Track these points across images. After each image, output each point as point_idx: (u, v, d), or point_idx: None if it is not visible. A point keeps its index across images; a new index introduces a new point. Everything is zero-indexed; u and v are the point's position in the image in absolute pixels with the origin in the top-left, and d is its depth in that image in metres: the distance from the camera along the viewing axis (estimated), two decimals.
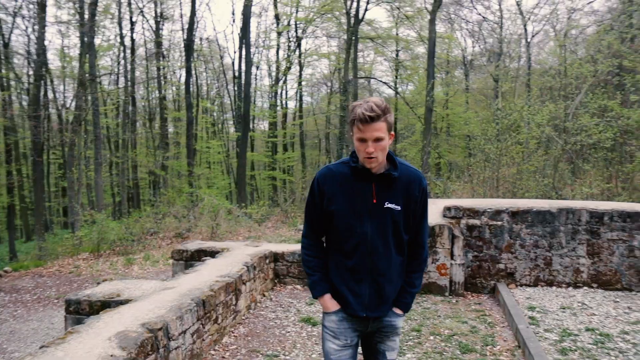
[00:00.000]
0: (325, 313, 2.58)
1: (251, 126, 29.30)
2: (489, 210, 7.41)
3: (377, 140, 2.28)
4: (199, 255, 7.77)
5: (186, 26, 30.09)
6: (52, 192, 32.21)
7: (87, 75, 15.24)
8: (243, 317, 6.24)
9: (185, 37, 22.63)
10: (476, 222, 7.42)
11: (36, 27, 17.17)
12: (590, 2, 34.60)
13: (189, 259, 7.87)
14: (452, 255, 7.23)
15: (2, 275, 9.01)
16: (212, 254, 7.55)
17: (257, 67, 33.01)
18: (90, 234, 10.98)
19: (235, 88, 30.07)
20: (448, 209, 7.50)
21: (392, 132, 2.40)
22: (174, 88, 32.39)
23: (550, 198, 11.83)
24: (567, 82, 14.16)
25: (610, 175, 13.66)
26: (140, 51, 31.01)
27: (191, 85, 25.60)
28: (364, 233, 2.41)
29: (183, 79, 34.09)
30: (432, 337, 5.52)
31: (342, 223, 2.44)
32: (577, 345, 5.12)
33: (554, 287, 7.33)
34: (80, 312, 5.53)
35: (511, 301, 6.50)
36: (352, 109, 2.33)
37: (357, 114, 2.25)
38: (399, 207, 2.42)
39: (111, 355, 3.76)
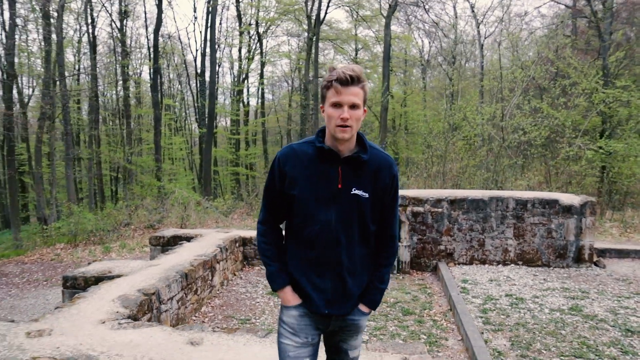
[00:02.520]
0: (284, 307, 2.33)
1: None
2: (431, 199, 8.53)
3: (353, 107, 2.08)
4: (175, 241, 8.61)
5: (149, 23, 30.36)
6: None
7: (57, 73, 15.67)
8: (217, 292, 7.15)
9: (152, 38, 23.10)
10: (420, 209, 8.53)
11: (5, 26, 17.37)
12: (538, 7, 36.73)
13: (166, 245, 8.69)
14: (399, 238, 8.32)
15: None
16: (188, 239, 8.41)
17: (219, 65, 33.55)
18: (68, 225, 11.61)
19: (198, 85, 30.58)
20: None
21: (366, 108, 2.20)
22: (134, 83, 32.57)
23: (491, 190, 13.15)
24: (503, 85, 15.62)
25: (547, 169, 15.17)
26: (101, 48, 31.12)
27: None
28: (327, 221, 2.17)
29: (145, 74, 34.41)
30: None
31: (304, 209, 2.20)
32: (496, 307, 6.28)
33: (487, 265, 8.52)
34: (77, 287, 6.32)
35: (448, 275, 7.63)
36: (330, 71, 2.12)
37: (337, 73, 2.06)
38: (366, 195, 2.18)
39: (117, 312, 4.63)
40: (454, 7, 35.49)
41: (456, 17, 30.91)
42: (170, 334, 4.01)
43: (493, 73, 18.60)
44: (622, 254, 9.15)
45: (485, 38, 29.69)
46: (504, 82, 15.60)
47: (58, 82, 15.76)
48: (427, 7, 28.72)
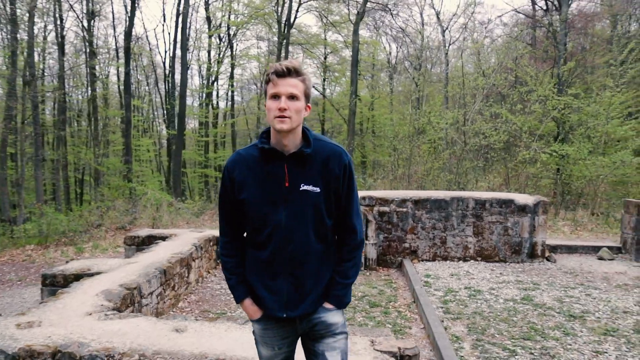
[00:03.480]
0: (250, 319, 2.32)
1: None
2: (396, 199, 9.01)
3: (292, 97, 2.05)
4: (150, 241, 8.83)
5: (117, 24, 30.13)
6: None
7: (27, 74, 15.61)
8: (193, 288, 7.44)
9: (122, 39, 23.04)
10: (386, 209, 9.00)
11: None
12: (500, 16, 38.01)
13: (140, 244, 8.90)
14: (366, 237, 8.77)
15: None
16: (162, 238, 8.65)
17: (189, 67, 33.53)
18: (40, 226, 11.63)
19: (166, 87, 30.55)
20: (363, 198, 9.03)
21: (309, 105, 2.19)
22: (101, 84, 32.28)
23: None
24: (465, 92, 16.40)
25: (506, 171, 15.96)
26: (68, 48, 30.75)
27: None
28: (277, 221, 2.13)
29: (112, 75, 34.07)
30: None
31: (255, 212, 2.16)
32: (456, 298, 6.78)
33: (448, 261, 9.05)
34: (56, 284, 6.53)
35: (412, 271, 8.12)
36: (270, 67, 2.11)
37: (274, 67, 2.06)
38: (317, 189, 2.12)
39: (101, 305, 4.90)
40: (421, 14, 36.49)
41: (423, 24, 31.82)
42: (156, 323, 4.32)
43: (456, 79, 19.40)
44: (571, 249, 9.84)
45: (450, 44, 30.63)
46: (466, 88, 16.38)
47: (27, 84, 15.67)
48: (394, 12, 29.48)
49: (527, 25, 24.48)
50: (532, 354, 4.82)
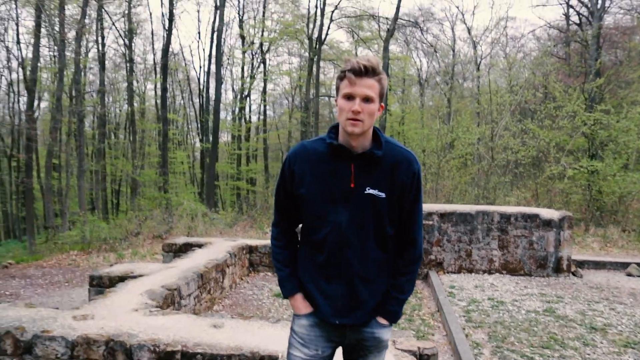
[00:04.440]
0: (295, 315, 2.23)
1: None
2: (423, 212, 9.26)
3: (367, 100, 1.95)
4: (186, 248, 9.31)
5: (156, 40, 31.31)
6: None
7: (73, 90, 16.58)
8: (227, 293, 7.85)
9: (159, 56, 24.05)
10: None
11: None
12: (532, 31, 37.86)
13: (177, 251, 9.39)
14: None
15: (8, 267, 10.26)
16: (198, 246, 9.12)
17: (222, 82, 34.48)
18: (83, 233, 12.32)
19: (200, 101, 31.48)
20: None
21: (383, 104, 2.07)
22: (138, 99, 33.48)
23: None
24: (493, 108, 16.56)
25: (535, 187, 15.99)
26: (108, 64, 32.09)
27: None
28: (337, 222, 2.04)
29: (149, 89, 35.23)
30: None
31: (313, 210, 2.09)
32: (479, 308, 7.00)
33: (473, 274, 9.24)
34: (102, 285, 7.03)
35: (437, 282, 8.35)
36: (345, 62, 1.99)
37: (351, 64, 1.94)
38: (383, 195, 2.03)
39: (145, 303, 5.34)
40: (452, 29, 36.61)
41: (454, 39, 31.99)
42: (195, 320, 4.72)
43: (485, 95, 19.57)
44: (599, 265, 9.89)
45: (481, 59, 30.68)
46: (493, 105, 16.55)
47: (73, 99, 16.61)
48: (424, 28, 29.80)
49: (560, 40, 24.45)
50: None
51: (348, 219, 2.04)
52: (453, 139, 16.05)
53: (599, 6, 18.66)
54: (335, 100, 2.06)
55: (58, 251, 12.06)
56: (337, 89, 2.04)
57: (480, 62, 30.02)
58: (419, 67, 35.64)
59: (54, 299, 7.83)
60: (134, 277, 6.85)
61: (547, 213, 9.26)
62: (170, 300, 5.67)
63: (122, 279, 6.92)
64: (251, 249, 9.31)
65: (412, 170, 2.08)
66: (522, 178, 16.06)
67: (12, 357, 4.25)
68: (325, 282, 2.12)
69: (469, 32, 29.98)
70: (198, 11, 48.08)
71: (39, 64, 17.68)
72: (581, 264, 9.89)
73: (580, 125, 14.78)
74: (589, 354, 5.23)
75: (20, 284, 8.76)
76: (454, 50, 31.06)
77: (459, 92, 27.78)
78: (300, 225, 2.27)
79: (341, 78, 2.00)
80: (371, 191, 2.03)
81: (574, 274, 9.17)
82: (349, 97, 1.96)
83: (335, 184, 2.06)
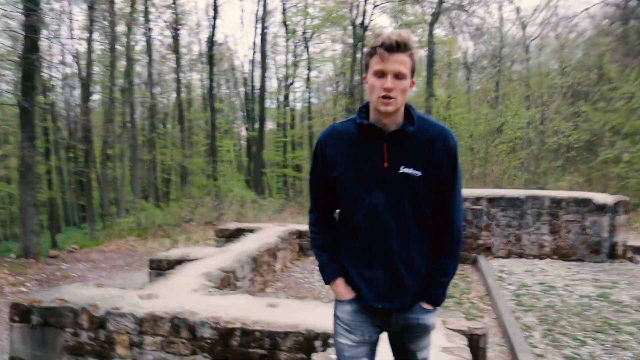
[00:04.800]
0: (337, 301, 2.18)
1: None
2: (471, 197, 9.24)
3: (399, 76, 1.88)
4: (238, 233, 9.62)
5: (199, 31, 31.91)
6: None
7: (125, 82, 17.26)
8: (279, 276, 8.11)
9: (205, 48, 24.60)
10: None
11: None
12: (587, 9, 36.34)
13: (230, 236, 9.71)
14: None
15: (73, 251, 10.92)
16: (250, 231, 9.41)
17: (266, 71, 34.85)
18: (139, 219, 12.93)
19: (245, 90, 31.99)
20: None
21: (414, 80, 1.99)
22: (185, 89, 34.29)
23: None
24: (543, 91, 16.11)
25: (588, 171, 15.55)
26: (155, 55, 32.99)
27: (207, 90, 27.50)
28: (372, 205, 1.98)
29: (194, 80, 35.93)
30: None
31: (347, 193, 2.04)
32: (529, 292, 6.97)
33: (523, 259, 9.15)
34: (161, 268, 7.40)
35: (486, 266, 8.34)
36: (375, 37, 1.92)
37: (382, 39, 1.86)
38: (418, 173, 1.95)
39: (204, 284, 5.62)
40: (500, 10, 35.62)
41: (501, 20, 31.11)
42: (252, 300, 4.95)
43: (535, 78, 19.05)
44: None
45: (531, 41, 29.70)
46: (544, 87, 16.09)
47: (125, 91, 17.31)
48: (470, 10, 29.09)
49: (617, 18, 23.39)
50: (602, 345, 5.00)
51: (384, 200, 1.98)
52: (501, 123, 15.75)
53: None
54: (364, 78, 1.98)
55: (116, 237, 12.68)
56: (367, 66, 1.96)
57: (529, 43, 29.11)
58: (465, 50, 34.88)
59: (117, 281, 8.31)
60: (191, 260, 7.18)
61: (600, 198, 9.04)
62: (226, 282, 5.94)
63: (180, 262, 7.26)
64: (300, 234, 9.53)
65: (448, 145, 1.99)
66: (575, 163, 15.61)
67: (88, 331, 4.61)
68: (366, 266, 2.06)
69: (518, 13, 29.11)
70: (241, 0, 48.57)
71: (92, 58, 18.40)
72: (638, 250, 9.60)
73: (638, 106, 14.21)
74: None
75: (86, 267, 9.32)
76: (501, 32, 30.21)
77: (507, 75, 27.02)
78: (338, 210, 2.20)
79: (371, 54, 1.92)
80: (406, 170, 1.96)
81: (630, 260, 8.94)
82: (380, 74, 1.89)
83: (368, 164, 1.99)
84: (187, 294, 5.17)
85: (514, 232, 9.18)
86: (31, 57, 9.27)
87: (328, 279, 2.18)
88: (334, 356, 3.71)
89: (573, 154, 14.90)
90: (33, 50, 9.46)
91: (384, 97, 1.88)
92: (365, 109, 2.06)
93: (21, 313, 4.81)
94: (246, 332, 4.23)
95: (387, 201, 1.98)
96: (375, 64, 1.89)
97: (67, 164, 31.30)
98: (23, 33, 9.39)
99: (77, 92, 29.76)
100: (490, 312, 6.29)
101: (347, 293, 2.12)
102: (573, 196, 9.05)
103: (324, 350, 3.91)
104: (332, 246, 2.19)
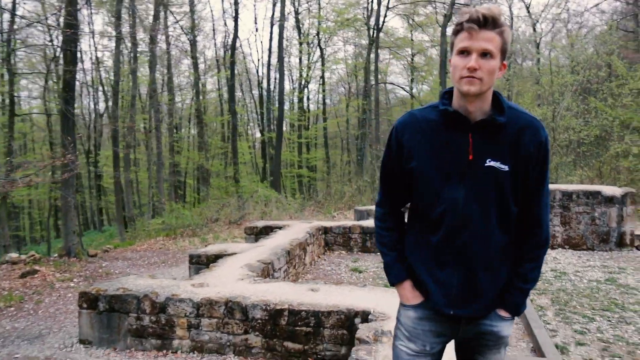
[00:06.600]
0: (402, 304, 2.03)
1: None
2: None
3: (485, 55, 1.70)
4: (266, 231, 10.26)
5: (216, 35, 32.64)
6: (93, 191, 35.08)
7: (150, 89, 18.07)
8: (308, 269, 8.73)
9: (227, 56, 25.42)
10: None
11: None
12: (597, 4, 36.52)
13: (258, 234, 10.35)
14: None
15: (108, 251, 11.64)
16: (278, 228, 10.04)
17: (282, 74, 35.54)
18: (170, 220, 13.65)
19: (260, 93, 32.67)
20: None
21: (505, 63, 1.79)
22: (201, 93, 35.10)
23: None
24: (554, 89, 16.56)
25: (599, 165, 16.01)
26: (173, 61, 33.82)
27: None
28: (453, 200, 1.82)
29: (209, 84, 36.66)
30: None
31: (425, 186, 1.87)
32: (542, 278, 7.53)
33: None
34: (200, 262, 8.06)
35: None
36: (461, 14, 1.75)
37: (469, 14, 1.70)
38: (505, 167, 1.79)
39: (247, 274, 6.25)
40: (510, 8, 35.88)
41: (512, 18, 31.46)
42: (294, 286, 5.57)
43: (545, 76, 19.48)
44: None
45: (541, 37, 29.98)
46: (555, 86, 16.54)
47: (150, 97, 18.10)
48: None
49: (628, 12, 23.68)
50: (609, 321, 5.56)
51: (466, 195, 1.81)
52: None
53: None
54: (449, 61, 1.82)
55: (146, 237, 13.39)
56: (452, 45, 1.80)
57: (539, 40, 29.42)
58: None
59: (158, 275, 8.98)
60: (229, 255, 7.83)
61: (609, 190, 9.55)
62: (266, 273, 6.57)
63: (218, 257, 7.91)
64: (326, 230, 10.14)
65: (539, 138, 1.80)
66: (585, 157, 16.09)
67: (150, 315, 5.26)
68: (439, 267, 1.88)
69: (528, 10, 29.44)
70: (254, 5, 49.36)
71: (120, 67, 19.20)
72: None
73: None
74: None
75: (124, 264, 10.01)
76: (512, 29, 30.54)
77: (519, 72, 27.39)
78: (408, 205, 2.06)
79: (456, 32, 1.76)
80: (492, 163, 1.78)
81: (637, 248, 9.45)
82: (464, 52, 1.73)
83: (450, 156, 1.82)
84: (234, 282, 5.80)
85: None
86: (71, 69, 9.99)
87: (394, 280, 2.01)
88: (378, 326, 4.26)
89: (584, 149, 15.39)
90: (73, 62, 10.19)
91: (467, 76, 1.71)
92: (448, 94, 1.90)
93: (89, 300, 5.47)
94: (293, 312, 4.84)
95: (469, 197, 1.81)
96: (459, 42, 1.74)
97: (87, 168, 32.25)
98: (64, 47, 10.11)
99: (101, 99, 30.75)
100: None
101: (413, 297, 1.96)
102: (583, 189, 9.57)
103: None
104: (400, 244, 2.03)
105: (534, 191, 1.86)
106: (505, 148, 1.79)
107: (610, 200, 9.37)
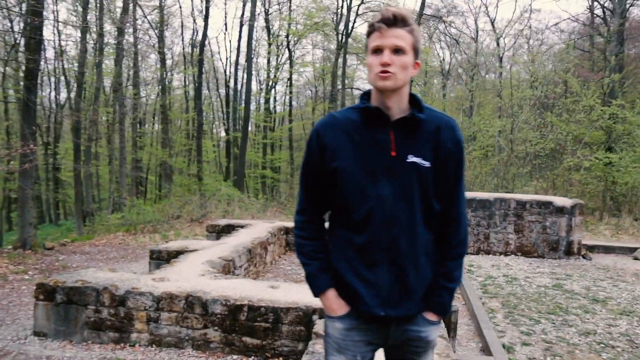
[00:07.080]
0: (328, 317, 1.96)
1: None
2: None
3: (398, 51, 1.73)
4: (228, 229, 10.28)
5: (184, 32, 32.33)
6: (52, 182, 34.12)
7: (116, 82, 17.76)
8: (269, 268, 8.82)
9: (196, 54, 25.22)
10: None
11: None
12: (556, 24, 37.97)
13: (220, 232, 10.37)
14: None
15: (65, 245, 11.40)
16: (240, 227, 10.09)
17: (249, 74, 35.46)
18: (130, 215, 13.46)
19: (227, 92, 32.52)
20: None
21: (419, 61, 1.83)
22: (168, 89, 34.69)
23: None
24: (514, 102, 17.27)
25: (552, 177, 16.70)
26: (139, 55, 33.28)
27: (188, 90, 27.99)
28: (379, 197, 1.79)
29: (175, 81, 36.28)
30: None
31: (350, 184, 1.82)
32: (494, 282, 7.85)
33: (490, 255, 10.07)
34: (161, 258, 8.04)
35: None
36: (375, 17, 1.79)
37: (380, 14, 1.76)
38: (427, 164, 1.80)
39: (208, 270, 6.30)
40: (475, 22, 36.86)
41: (477, 31, 32.37)
42: (255, 282, 5.67)
43: (506, 90, 20.23)
44: (608, 249, 10.64)
45: (504, 52, 30.97)
46: (514, 99, 17.23)
47: (115, 91, 17.81)
48: (448, 20, 30.23)
49: (584, 34, 24.78)
50: (553, 323, 5.88)
51: (393, 192, 1.79)
52: (475, 132, 16.85)
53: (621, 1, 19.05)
54: (367, 62, 1.84)
55: (106, 232, 13.18)
56: (367, 47, 1.82)
57: (502, 54, 30.37)
58: (441, 58, 36.07)
59: (117, 270, 8.90)
60: (190, 251, 7.83)
61: (560, 200, 10.02)
62: (227, 269, 6.64)
63: (179, 253, 7.91)
64: (287, 230, 10.25)
65: (456, 137, 1.85)
66: (541, 169, 16.78)
67: (109, 308, 5.25)
68: (367, 268, 1.82)
69: (492, 25, 30.39)
70: (225, 4, 48.99)
71: (85, 57, 18.82)
72: (592, 248, 10.62)
73: (597, 119, 15.45)
74: (588, 319, 6.06)
75: (82, 258, 9.85)
76: (477, 42, 31.46)
77: (482, 84, 28.23)
78: (329, 213, 2.01)
79: (369, 33, 1.79)
80: (414, 159, 1.79)
81: (583, 257, 9.93)
82: (378, 51, 1.76)
83: (374, 153, 1.81)
84: (196, 278, 5.85)
85: (483, 230, 10.08)
86: (35, 57, 9.79)
87: (317, 291, 1.93)
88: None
89: (539, 161, 16.08)
90: (37, 50, 9.98)
91: (381, 72, 1.73)
92: (366, 95, 1.92)
93: (46, 292, 5.41)
94: (253, 308, 4.94)
95: (396, 194, 1.79)
96: (373, 41, 1.77)
97: (44, 160, 31.36)
98: (28, 34, 9.89)
99: (62, 89, 29.97)
100: (460, 299, 7.12)
101: (339, 308, 1.89)
102: (536, 199, 10.01)
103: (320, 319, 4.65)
104: (322, 253, 1.94)
105: (453, 189, 1.88)
106: (425, 145, 1.81)
107: (560, 210, 9.83)
